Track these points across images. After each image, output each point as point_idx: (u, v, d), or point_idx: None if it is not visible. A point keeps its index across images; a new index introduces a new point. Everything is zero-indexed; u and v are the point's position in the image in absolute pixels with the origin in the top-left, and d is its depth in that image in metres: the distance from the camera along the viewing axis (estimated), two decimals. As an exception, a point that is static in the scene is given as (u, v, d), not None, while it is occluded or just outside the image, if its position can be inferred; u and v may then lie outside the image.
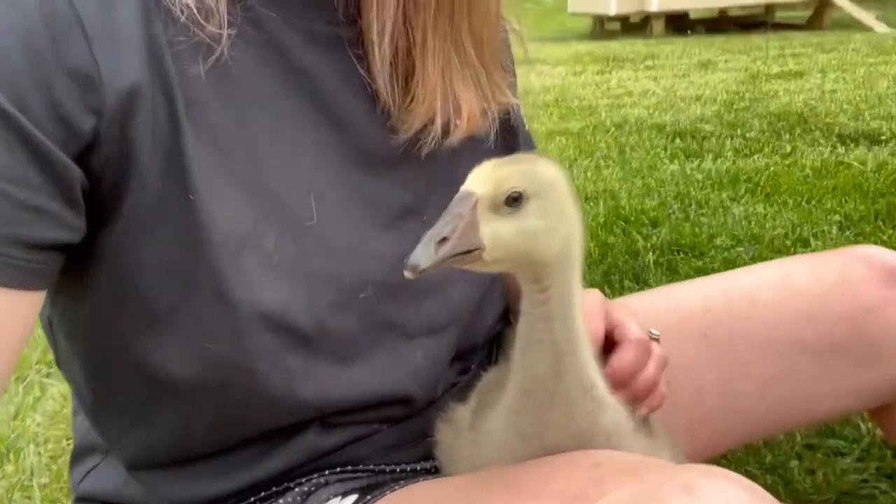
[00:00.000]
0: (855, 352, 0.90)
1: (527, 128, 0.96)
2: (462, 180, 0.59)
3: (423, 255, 0.48)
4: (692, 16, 13.16)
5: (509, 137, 0.85)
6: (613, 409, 0.64)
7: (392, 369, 0.70)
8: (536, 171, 0.55)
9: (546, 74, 7.22)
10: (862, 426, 1.47)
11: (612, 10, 13.08)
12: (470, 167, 0.60)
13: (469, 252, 0.51)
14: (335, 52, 0.66)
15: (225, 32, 0.57)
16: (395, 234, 0.69)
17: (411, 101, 0.68)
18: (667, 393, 0.77)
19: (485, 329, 0.84)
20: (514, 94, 0.83)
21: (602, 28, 14.53)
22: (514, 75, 0.86)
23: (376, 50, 0.65)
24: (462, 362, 0.81)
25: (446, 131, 0.70)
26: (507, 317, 0.89)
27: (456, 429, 0.71)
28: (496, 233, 0.52)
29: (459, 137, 0.70)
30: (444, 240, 0.49)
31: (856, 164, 3.17)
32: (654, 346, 0.76)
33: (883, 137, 3.62)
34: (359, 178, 0.68)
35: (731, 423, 0.94)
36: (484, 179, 0.53)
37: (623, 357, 0.72)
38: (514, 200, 0.52)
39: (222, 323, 0.60)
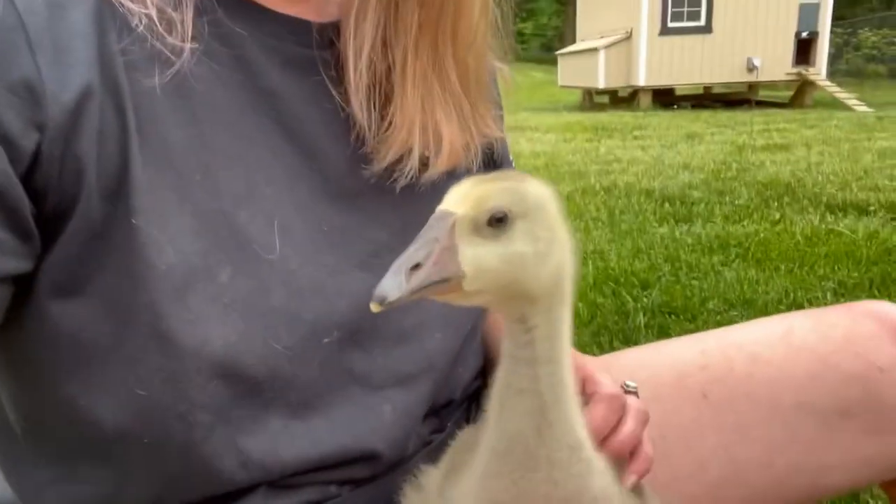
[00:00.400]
0: (866, 416, 0.82)
1: (513, 165, 0.91)
2: None
3: (393, 284, 0.42)
4: (677, 92, 13.61)
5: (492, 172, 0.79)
6: (602, 473, 0.54)
7: (356, 423, 0.62)
8: (523, 189, 0.47)
9: (537, 141, 7.34)
10: None
11: (601, 84, 13.53)
12: None
13: (446, 281, 0.43)
14: (308, 75, 0.61)
15: (188, 45, 0.53)
16: (368, 274, 0.62)
17: (388, 127, 0.62)
18: (665, 461, 0.68)
19: (463, 383, 0.75)
20: (501, 129, 0.77)
21: (591, 101, 15.00)
22: (502, 108, 0.80)
23: (352, 72, 0.60)
24: (436, 418, 0.73)
25: (424, 164, 0.64)
26: (486, 372, 0.81)
27: (424, 495, 0.62)
28: (478, 258, 0.44)
29: (440, 171, 0.64)
30: (417, 267, 0.43)
31: (847, 232, 3.16)
32: (631, 399, 0.67)
33: (872, 208, 3.64)
34: (329, 210, 0.61)
35: (734, 495, 0.84)
36: (463, 198, 0.46)
37: (594, 414, 0.62)
38: (499, 221, 0.45)
39: (159, 365, 0.52)
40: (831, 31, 12.98)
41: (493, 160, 0.78)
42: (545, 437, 0.50)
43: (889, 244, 2.95)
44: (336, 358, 0.60)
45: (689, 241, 3.14)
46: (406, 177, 0.63)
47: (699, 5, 12.25)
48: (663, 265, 2.80)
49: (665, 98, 13.15)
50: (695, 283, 2.59)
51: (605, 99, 14.81)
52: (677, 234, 3.28)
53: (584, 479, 0.52)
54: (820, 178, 4.56)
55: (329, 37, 0.62)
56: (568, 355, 0.50)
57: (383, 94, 0.63)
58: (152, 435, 0.54)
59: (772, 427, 0.82)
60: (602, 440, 0.62)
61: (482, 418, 0.60)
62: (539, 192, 0.48)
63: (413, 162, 0.63)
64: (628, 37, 12.96)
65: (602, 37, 13.94)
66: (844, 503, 1.35)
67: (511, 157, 0.88)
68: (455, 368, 0.72)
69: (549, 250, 0.47)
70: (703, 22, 12.32)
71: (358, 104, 0.61)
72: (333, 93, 0.62)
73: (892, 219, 3.43)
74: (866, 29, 17.35)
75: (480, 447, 0.53)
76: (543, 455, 0.50)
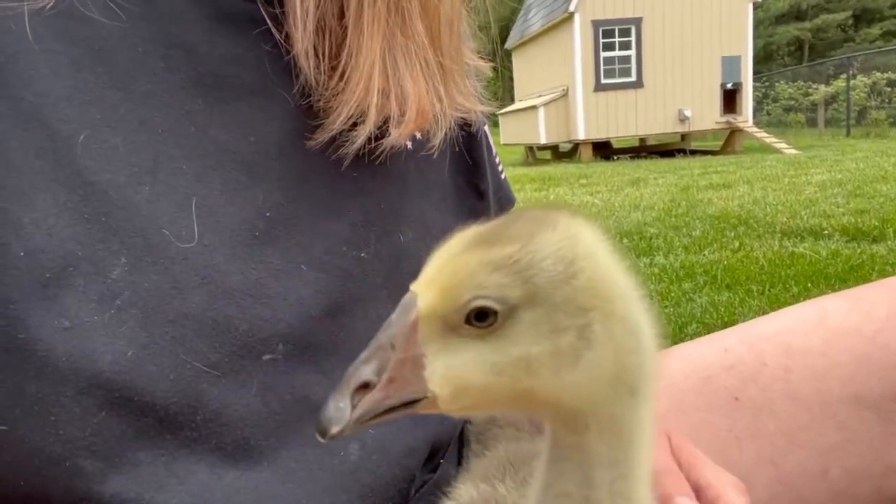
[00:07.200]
0: (929, 402, 0.69)
1: (496, 155, 0.76)
2: (409, 208, 0.52)
3: (334, 411, 0.30)
4: (615, 145, 14.09)
5: (471, 157, 0.67)
6: None
7: (314, 472, 0.49)
8: (529, 256, 0.29)
9: (485, 192, 7.33)
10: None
11: (543, 140, 13.88)
12: (419, 185, 0.51)
13: (411, 403, 0.31)
14: (247, 30, 0.51)
15: None
16: (323, 275, 0.51)
17: (340, 79, 0.51)
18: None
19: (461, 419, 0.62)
20: (481, 106, 0.65)
21: (534, 156, 15.36)
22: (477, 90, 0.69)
23: (299, 10, 0.49)
24: (429, 461, 0.58)
25: (384, 131, 0.53)
26: None
27: None
28: (454, 371, 0.30)
29: (405, 136, 0.53)
30: (366, 386, 0.31)
31: (810, 253, 3.14)
32: None
33: (826, 232, 3.67)
34: (275, 193, 0.49)
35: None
36: (432, 278, 0.31)
37: None
38: (481, 319, 0.30)
39: (19, 389, 0.40)
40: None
41: (472, 143, 0.67)
42: None
43: (853, 262, 2.93)
44: (284, 383, 0.47)
45: (655, 271, 3.06)
46: (366, 142, 0.52)
47: (629, 62, 12.83)
48: (633, 295, 2.69)
49: (604, 151, 13.58)
50: (669, 310, 2.47)
51: (548, 154, 15.20)
52: (641, 265, 3.20)
53: None
54: (768, 209, 4.62)
55: None
56: (644, 464, 0.34)
57: (334, 42, 0.52)
58: (16, 487, 0.40)
59: (822, 428, 0.70)
60: None
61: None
62: (565, 251, 0.30)
63: (369, 126, 0.52)
64: (565, 94, 13.42)
65: (539, 95, 14.41)
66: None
67: (493, 145, 0.75)
68: None
69: (586, 342, 0.29)
70: (634, 77, 12.88)
71: (304, 53, 0.49)
72: (281, 45, 0.50)
73: (848, 241, 3.44)
74: (782, 81, 18.56)
75: None
76: None
